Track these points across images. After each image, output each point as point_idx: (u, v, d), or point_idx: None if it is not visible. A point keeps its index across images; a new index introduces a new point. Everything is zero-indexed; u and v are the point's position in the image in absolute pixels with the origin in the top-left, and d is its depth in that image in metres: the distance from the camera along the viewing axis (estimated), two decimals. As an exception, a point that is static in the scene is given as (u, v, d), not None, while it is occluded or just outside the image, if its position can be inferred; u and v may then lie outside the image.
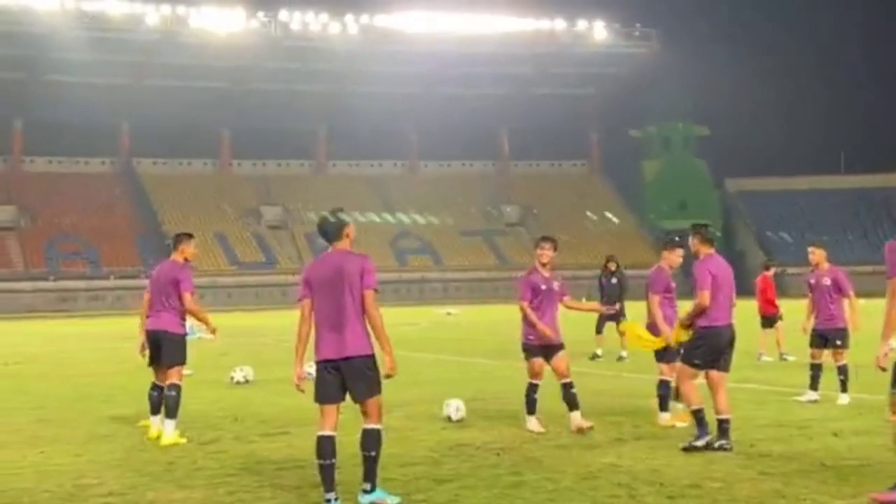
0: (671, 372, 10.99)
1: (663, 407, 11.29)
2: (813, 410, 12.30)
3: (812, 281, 13.39)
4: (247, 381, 16.41)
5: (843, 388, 13.04)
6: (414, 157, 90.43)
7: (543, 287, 11.06)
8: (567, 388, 10.94)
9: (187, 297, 10.80)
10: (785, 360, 19.00)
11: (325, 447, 7.44)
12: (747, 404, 12.72)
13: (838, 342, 13.17)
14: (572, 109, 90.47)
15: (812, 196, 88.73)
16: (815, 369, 13.22)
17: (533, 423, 10.98)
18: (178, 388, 10.73)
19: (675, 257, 11.43)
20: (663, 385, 11.28)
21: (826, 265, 13.44)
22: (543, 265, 11.24)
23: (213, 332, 11.12)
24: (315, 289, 7.58)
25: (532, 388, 11.04)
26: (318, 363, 7.59)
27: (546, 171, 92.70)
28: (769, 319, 20.04)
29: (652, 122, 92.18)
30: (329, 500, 7.37)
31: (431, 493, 7.91)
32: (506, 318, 41.99)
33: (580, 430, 10.61)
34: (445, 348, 24.04)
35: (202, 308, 11.18)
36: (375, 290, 7.56)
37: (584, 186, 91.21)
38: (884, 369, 7.34)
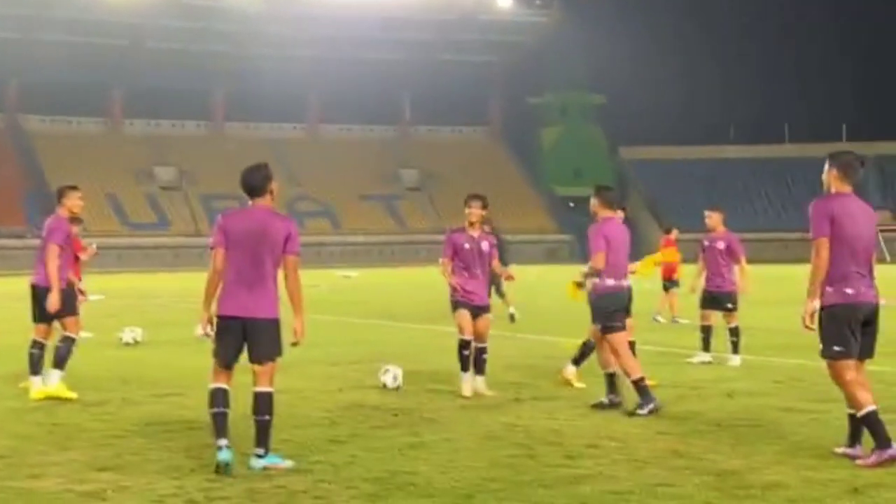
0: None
1: (576, 360, 11.17)
2: (706, 372, 12.46)
3: (706, 243, 13.54)
4: (136, 343, 15.96)
5: (735, 350, 13.24)
6: (314, 120, 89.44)
7: (467, 246, 10.69)
8: (480, 352, 10.76)
9: (48, 247, 10.28)
10: (676, 322, 19.43)
11: (219, 396, 7.32)
12: (644, 366, 12.80)
13: (728, 305, 13.36)
14: (474, 76, 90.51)
15: (703, 165, 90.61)
16: (706, 331, 13.41)
17: (466, 385, 10.52)
18: (71, 340, 10.48)
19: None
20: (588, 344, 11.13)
21: (721, 229, 13.61)
22: (472, 224, 10.77)
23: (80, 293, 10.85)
24: (232, 241, 7.34)
25: (462, 345, 10.62)
26: (220, 317, 7.36)
27: (446, 137, 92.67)
28: (670, 283, 20.36)
29: (551, 91, 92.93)
30: (221, 447, 7.17)
31: (329, 454, 7.74)
32: (404, 280, 42.01)
33: (478, 396, 10.50)
34: (344, 310, 23.84)
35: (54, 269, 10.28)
36: (297, 256, 7.38)
37: (483, 152, 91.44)
38: (810, 328, 7.35)
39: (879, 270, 7.80)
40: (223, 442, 7.18)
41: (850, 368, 7.30)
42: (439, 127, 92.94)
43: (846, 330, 7.30)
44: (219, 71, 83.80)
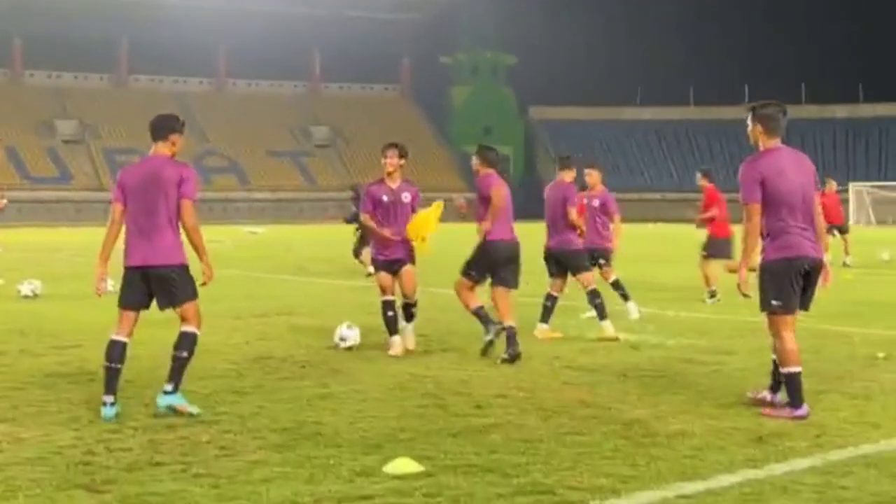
0: (589, 281, 11.61)
1: (601, 315, 11.51)
2: (612, 325, 12.52)
3: (584, 201, 13.31)
4: (35, 296, 15.53)
5: (626, 298, 13.26)
6: (222, 74, 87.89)
7: (386, 198, 10.28)
8: (407, 307, 10.41)
9: None
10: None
11: (116, 350, 7.32)
12: (552, 319, 12.90)
13: (601, 261, 13.28)
14: (385, 33, 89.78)
15: (610, 126, 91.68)
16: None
17: (394, 347, 10.10)
18: None
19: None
20: (593, 294, 11.53)
21: (600, 187, 13.49)
22: (390, 174, 10.42)
23: None
24: (128, 193, 7.31)
25: (385, 306, 10.17)
26: (126, 268, 7.33)
27: (357, 94, 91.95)
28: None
29: (463, 50, 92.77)
30: (106, 403, 7.17)
31: (234, 406, 7.61)
32: (310, 237, 41.69)
33: (407, 351, 10.22)
34: (249, 265, 23.55)
35: None
36: (193, 201, 7.29)
37: (394, 110, 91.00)
38: (746, 295, 7.32)
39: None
40: (109, 398, 7.19)
41: (788, 323, 7.27)
42: (350, 84, 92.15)
43: (787, 284, 7.23)
44: (122, 20, 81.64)
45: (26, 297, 15.51)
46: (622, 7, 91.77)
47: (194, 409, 7.26)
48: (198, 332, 7.39)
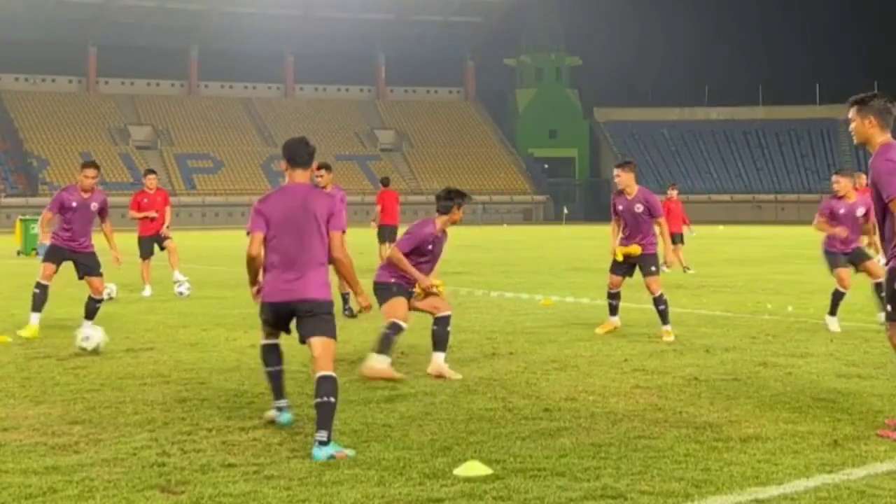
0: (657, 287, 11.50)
1: (664, 321, 11.49)
2: (682, 327, 12.41)
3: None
4: (111, 299, 15.80)
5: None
6: (289, 80, 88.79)
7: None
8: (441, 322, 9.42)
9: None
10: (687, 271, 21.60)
11: (270, 354, 7.17)
12: (620, 321, 12.83)
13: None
14: (449, 37, 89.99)
15: (677, 127, 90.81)
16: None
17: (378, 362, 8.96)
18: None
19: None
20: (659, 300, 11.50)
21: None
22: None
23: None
24: (273, 225, 6.76)
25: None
26: (268, 304, 6.87)
27: (422, 98, 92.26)
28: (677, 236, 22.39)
29: (527, 52, 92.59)
30: (281, 408, 7.13)
31: (305, 408, 7.64)
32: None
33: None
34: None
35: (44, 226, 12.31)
36: (343, 232, 6.90)
37: (458, 113, 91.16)
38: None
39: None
40: (281, 403, 7.14)
41: None
42: (414, 87, 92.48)
43: None
44: (193, 29, 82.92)
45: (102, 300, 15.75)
46: (687, 6, 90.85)
47: (349, 453, 6.33)
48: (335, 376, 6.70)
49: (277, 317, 6.88)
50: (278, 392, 7.16)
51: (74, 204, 12.07)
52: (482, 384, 8.64)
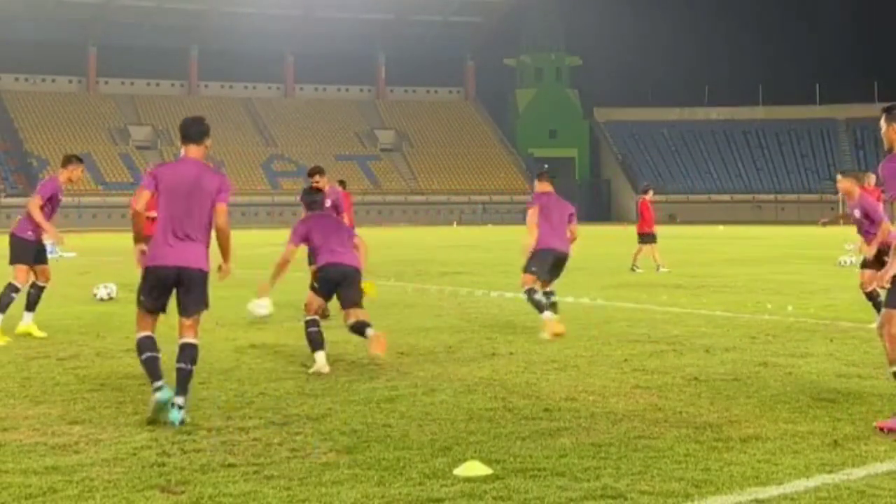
0: None
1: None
2: (682, 327, 12.43)
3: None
4: (111, 299, 15.82)
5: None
6: (289, 80, 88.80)
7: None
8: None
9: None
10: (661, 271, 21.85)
11: (147, 343, 7.38)
12: (620, 322, 12.85)
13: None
14: (449, 37, 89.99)
15: (677, 127, 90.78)
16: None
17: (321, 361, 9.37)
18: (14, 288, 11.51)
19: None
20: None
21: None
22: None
23: (58, 242, 11.92)
24: (164, 190, 7.39)
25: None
26: (151, 268, 7.43)
27: (422, 98, 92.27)
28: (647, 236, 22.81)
29: (526, 52, 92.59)
30: (158, 388, 7.14)
31: (305, 407, 7.67)
32: (377, 240, 41.90)
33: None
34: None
35: (41, 218, 11.41)
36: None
37: (458, 113, 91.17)
38: (884, 287, 6.95)
39: (853, 233, 7.75)
40: (159, 383, 7.18)
41: None
42: (414, 87, 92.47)
43: None
44: (194, 29, 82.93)
45: (102, 300, 15.80)
46: (687, 6, 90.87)
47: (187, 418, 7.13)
48: (198, 343, 7.46)
49: (160, 281, 7.33)
50: (156, 375, 7.25)
51: (61, 198, 11.80)
52: (482, 384, 8.64)
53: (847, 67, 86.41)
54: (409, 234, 52.03)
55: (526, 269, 11.92)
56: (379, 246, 37.81)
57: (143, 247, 7.55)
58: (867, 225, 12.12)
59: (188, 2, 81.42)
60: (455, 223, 70.76)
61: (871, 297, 11.94)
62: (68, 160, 11.68)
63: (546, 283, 11.98)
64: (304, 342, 9.59)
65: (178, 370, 7.23)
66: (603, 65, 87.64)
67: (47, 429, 7.01)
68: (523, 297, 11.95)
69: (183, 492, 5.51)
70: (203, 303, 7.40)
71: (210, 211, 7.35)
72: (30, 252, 11.55)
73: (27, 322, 11.77)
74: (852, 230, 12.87)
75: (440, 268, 24.16)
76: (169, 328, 7.69)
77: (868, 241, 11.99)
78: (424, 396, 8.10)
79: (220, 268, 7.53)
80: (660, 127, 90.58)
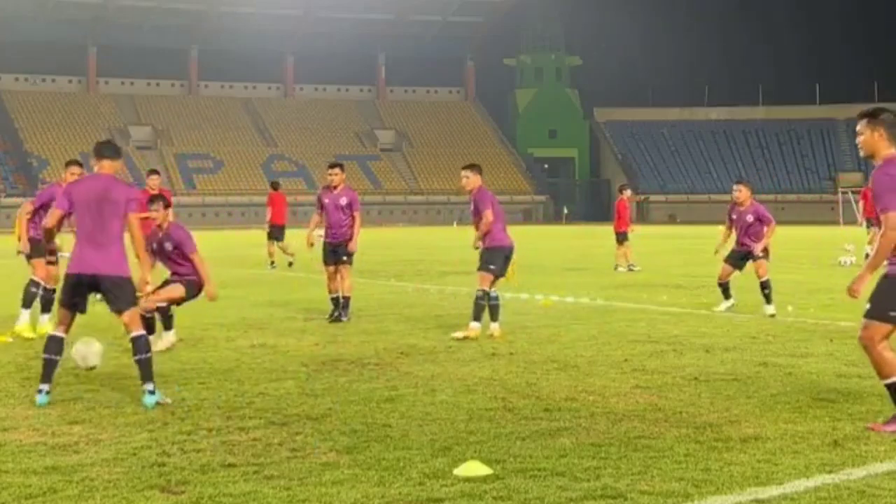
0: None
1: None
2: (682, 327, 12.43)
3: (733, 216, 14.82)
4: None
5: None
6: (289, 80, 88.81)
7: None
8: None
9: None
10: (632, 270, 22.49)
11: (52, 345, 7.95)
12: (620, 322, 12.85)
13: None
14: (449, 37, 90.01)
15: (677, 127, 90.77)
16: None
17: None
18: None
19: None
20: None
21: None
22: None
23: (22, 249, 12.08)
24: (77, 204, 7.95)
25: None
26: (69, 274, 7.96)
27: (421, 98, 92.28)
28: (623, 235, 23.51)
29: (526, 52, 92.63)
30: (41, 391, 7.81)
31: (305, 407, 7.67)
32: (376, 240, 41.92)
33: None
34: (318, 268, 23.67)
35: (21, 223, 12.08)
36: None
37: (458, 113, 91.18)
38: (854, 296, 6.88)
39: (853, 233, 7.74)
40: (45, 387, 7.82)
41: (887, 334, 6.81)
42: (414, 87, 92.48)
43: None
44: (194, 29, 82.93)
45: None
46: (687, 6, 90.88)
47: (169, 400, 7.86)
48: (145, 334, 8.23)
49: (78, 286, 7.92)
50: (48, 377, 7.87)
51: None
52: (482, 384, 8.64)
53: (847, 67, 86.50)
54: (409, 234, 52.02)
55: (484, 268, 11.86)
56: (379, 246, 37.84)
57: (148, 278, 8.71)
58: (757, 226, 14.63)
59: (188, 2, 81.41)
60: (455, 223, 70.73)
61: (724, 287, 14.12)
62: (66, 164, 11.89)
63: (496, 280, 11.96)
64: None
65: (137, 362, 7.89)
66: (603, 65, 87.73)
67: (47, 429, 7.01)
68: (477, 294, 11.77)
69: (183, 492, 5.51)
70: (129, 301, 8.01)
71: (122, 220, 7.90)
72: (41, 248, 11.88)
73: (24, 321, 11.97)
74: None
75: (440, 268, 24.16)
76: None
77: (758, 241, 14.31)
78: (424, 396, 8.10)
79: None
80: (660, 127, 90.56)
